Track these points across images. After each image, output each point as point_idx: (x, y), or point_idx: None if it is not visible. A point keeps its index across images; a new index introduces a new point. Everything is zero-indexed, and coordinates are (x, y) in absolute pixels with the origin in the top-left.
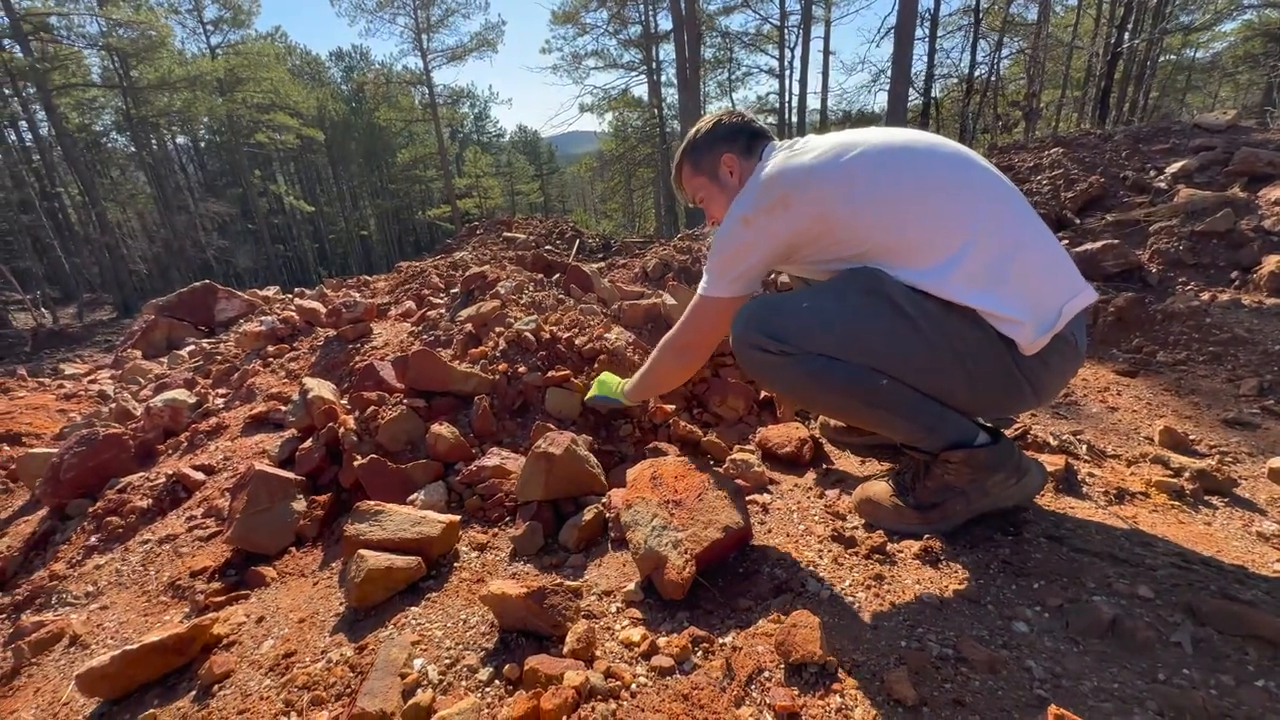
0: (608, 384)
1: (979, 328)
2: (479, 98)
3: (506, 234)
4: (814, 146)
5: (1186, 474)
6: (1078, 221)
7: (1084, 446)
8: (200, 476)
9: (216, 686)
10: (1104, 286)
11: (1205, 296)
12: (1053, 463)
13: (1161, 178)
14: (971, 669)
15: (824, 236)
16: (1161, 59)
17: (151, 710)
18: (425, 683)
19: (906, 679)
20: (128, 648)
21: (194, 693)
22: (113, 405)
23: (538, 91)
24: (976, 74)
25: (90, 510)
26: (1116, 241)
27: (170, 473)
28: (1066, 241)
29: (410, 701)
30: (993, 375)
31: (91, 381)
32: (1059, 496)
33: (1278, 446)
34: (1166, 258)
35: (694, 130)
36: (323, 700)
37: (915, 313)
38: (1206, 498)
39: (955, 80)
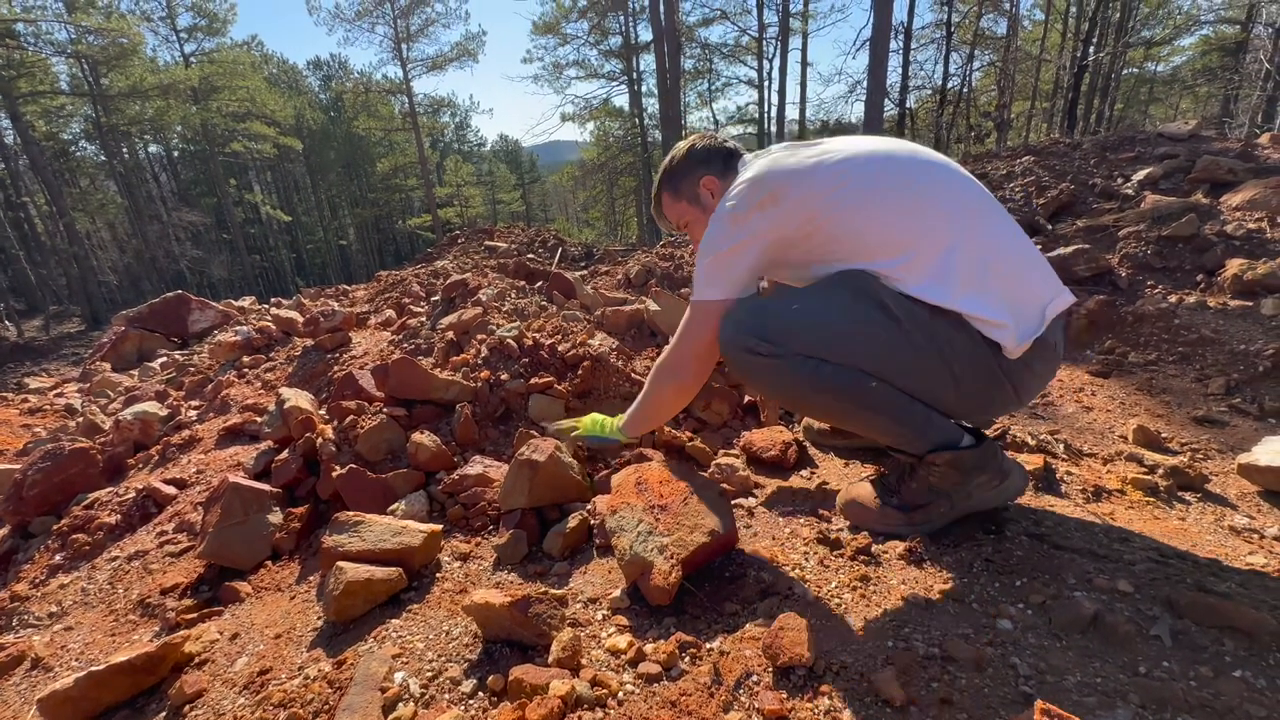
0: (600, 424)
1: (964, 332)
2: (460, 107)
3: (488, 243)
4: (797, 151)
5: (1160, 471)
6: (1050, 227)
7: (1061, 446)
8: (172, 491)
9: (188, 707)
10: (1076, 290)
11: (1173, 299)
12: (1031, 462)
13: (1129, 184)
14: (958, 667)
15: (813, 236)
16: (1125, 72)
17: None
18: (407, 696)
19: (894, 679)
20: (93, 669)
21: (164, 714)
22: (80, 419)
23: (519, 100)
24: (949, 85)
25: (55, 528)
26: (1087, 246)
27: (140, 487)
28: (1040, 246)
29: (391, 716)
30: (978, 378)
31: (58, 395)
32: (1038, 495)
33: (1245, 443)
34: (1135, 261)
35: (668, 159)
36: (300, 718)
37: (903, 315)
38: (1180, 494)
39: (929, 91)
